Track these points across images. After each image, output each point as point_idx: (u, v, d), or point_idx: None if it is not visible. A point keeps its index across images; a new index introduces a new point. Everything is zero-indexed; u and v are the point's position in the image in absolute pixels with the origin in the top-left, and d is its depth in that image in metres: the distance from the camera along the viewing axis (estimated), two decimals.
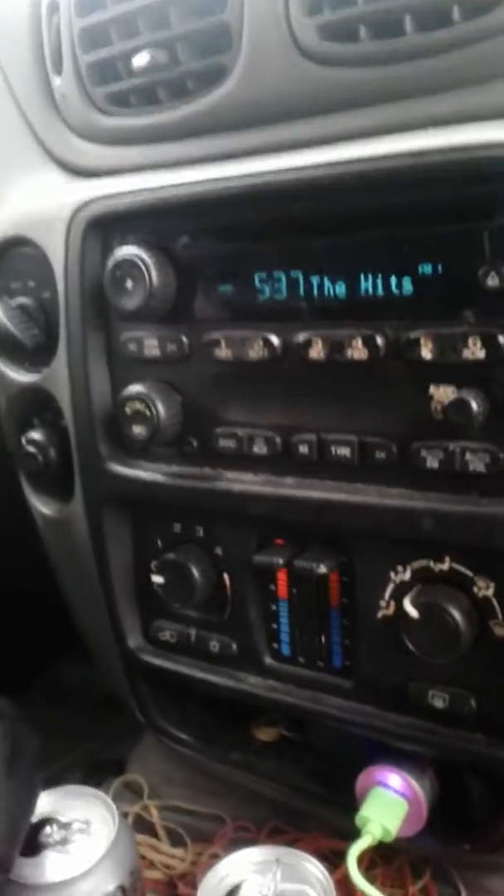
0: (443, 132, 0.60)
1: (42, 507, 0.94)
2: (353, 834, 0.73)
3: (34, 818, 0.79)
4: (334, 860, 0.85)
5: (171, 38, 0.71)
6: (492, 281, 0.59)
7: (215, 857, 0.93)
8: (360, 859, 0.70)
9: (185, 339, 0.76)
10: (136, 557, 0.89)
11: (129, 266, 0.73)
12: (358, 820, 0.73)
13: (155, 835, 1.01)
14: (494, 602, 0.66)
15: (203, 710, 0.96)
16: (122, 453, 0.83)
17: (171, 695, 0.95)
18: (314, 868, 0.74)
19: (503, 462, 0.62)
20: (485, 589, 0.66)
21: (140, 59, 0.73)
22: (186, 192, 0.72)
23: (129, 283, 0.73)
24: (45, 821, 0.80)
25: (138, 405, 0.77)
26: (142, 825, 1.02)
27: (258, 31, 0.67)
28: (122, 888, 0.75)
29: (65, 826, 0.80)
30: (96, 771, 1.18)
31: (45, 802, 0.83)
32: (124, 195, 0.76)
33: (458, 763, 0.75)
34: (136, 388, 0.77)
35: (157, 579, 0.83)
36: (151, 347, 0.78)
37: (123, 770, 1.14)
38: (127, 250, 0.73)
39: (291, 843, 0.90)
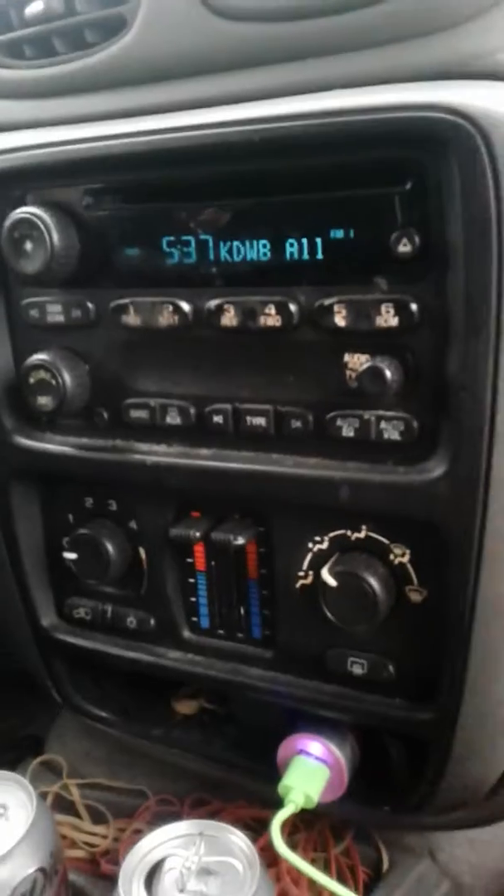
0: (351, 93, 0.58)
1: None
2: (277, 802, 0.73)
3: None
4: (258, 829, 0.86)
5: None
6: (403, 247, 0.58)
7: (138, 833, 0.93)
8: (283, 826, 0.70)
9: (90, 305, 0.72)
10: (47, 534, 0.86)
11: (27, 226, 0.69)
12: (280, 789, 0.73)
13: (76, 814, 1.00)
14: (410, 568, 0.67)
15: (122, 686, 0.94)
16: (27, 425, 0.80)
17: (88, 672, 0.93)
18: (238, 839, 0.74)
19: (416, 430, 0.62)
20: (401, 556, 0.67)
21: (34, 7, 0.69)
22: (85, 150, 0.68)
23: (28, 245, 0.69)
24: None
25: (42, 374, 0.73)
26: (62, 804, 1.01)
27: None
28: (42, 870, 0.73)
29: None
30: (12, 750, 1.16)
31: None
32: (19, 151, 0.71)
33: (378, 728, 0.75)
34: (39, 356, 0.74)
35: (70, 556, 0.80)
36: (55, 313, 0.74)
37: (42, 747, 1.12)
38: (25, 210, 0.69)
39: (214, 814, 0.90)
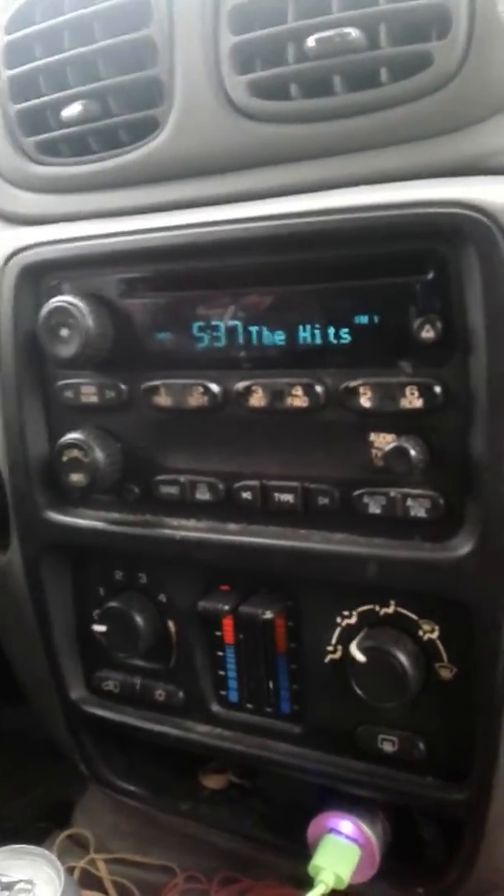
0: (375, 189, 0.61)
1: None
2: (306, 881, 0.72)
3: None
4: None
5: (102, 90, 0.72)
6: (426, 333, 0.60)
7: None
8: None
9: (123, 387, 0.75)
10: (78, 606, 0.87)
11: (63, 314, 0.72)
12: (311, 869, 0.72)
13: (103, 890, 0.99)
14: (440, 645, 0.67)
15: (149, 759, 0.94)
16: (60, 501, 0.82)
17: (116, 745, 0.93)
18: None
19: (443, 508, 0.63)
20: (430, 632, 0.67)
21: (71, 110, 0.73)
22: (119, 243, 0.71)
23: (64, 331, 0.72)
24: None
25: (76, 452, 0.75)
26: (89, 880, 1.00)
27: (190, 86, 0.67)
28: None
29: (8, 887, 0.77)
30: (40, 819, 1.15)
31: None
32: (57, 243, 0.75)
33: (410, 807, 0.75)
34: (73, 435, 0.76)
35: (100, 628, 0.81)
36: (89, 394, 0.77)
37: (69, 817, 1.11)
38: (61, 298, 0.72)
39: (244, 892, 0.89)
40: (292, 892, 0.86)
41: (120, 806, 0.98)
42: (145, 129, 0.71)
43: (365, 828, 0.74)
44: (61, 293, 0.74)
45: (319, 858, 0.73)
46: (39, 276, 0.76)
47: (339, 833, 0.74)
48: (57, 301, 0.72)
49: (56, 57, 0.73)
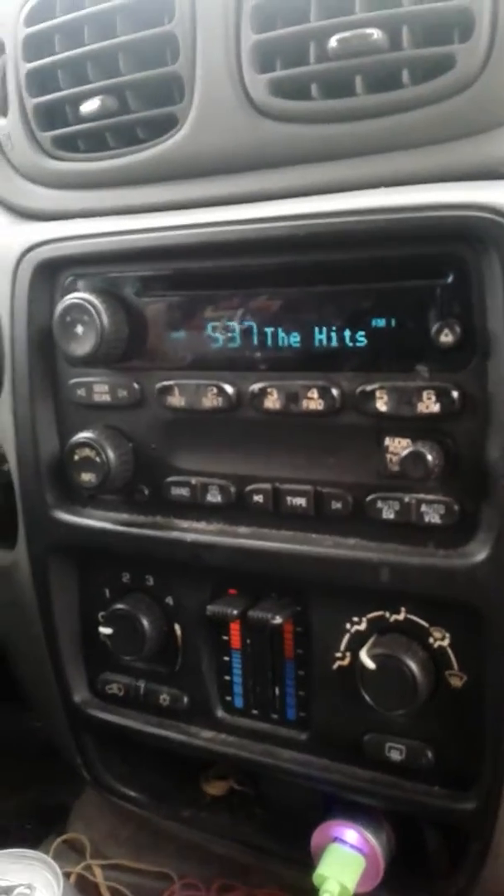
0: (396, 192, 0.61)
1: None
2: (308, 891, 0.71)
3: None
4: None
5: (121, 85, 0.71)
6: (445, 337, 0.60)
7: None
8: None
9: (136, 386, 0.75)
10: (83, 608, 0.86)
11: (79, 311, 0.71)
12: (315, 878, 0.71)
13: None
14: (450, 652, 0.66)
15: (151, 764, 0.93)
16: (69, 501, 0.81)
17: (118, 749, 0.92)
18: None
19: (457, 514, 0.62)
20: (440, 639, 0.66)
21: (89, 105, 0.73)
22: (136, 240, 0.71)
23: (79, 329, 0.72)
24: None
25: (87, 451, 0.75)
26: (85, 886, 0.99)
27: (210, 84, 0.67)
28: None
29: (7, 891, 0.77)
30: (35, 822, 1.14)
31: None
32: (73, 240, 0.75)
33: (416, 816, 0.74)
34: (85, 434, 0.75)
35: (105, 630, 0.81)
36: (101, 393, 0.76)
37: (65, 820, 1.09)
38: (77, 295, 0.72)
39: None
40: None
41: (117, 811, 0.98)
42: (164, 126, 0.71)
43: (370, 837, 0.73)
44: (77, 290, 0.74)
45: (324, 867, 0.72)
46: (55, 273, 0.76)
47: (344, 842, 0.73)
48: (73, 298, 0.72)
49: (76, 51, 0.72)
